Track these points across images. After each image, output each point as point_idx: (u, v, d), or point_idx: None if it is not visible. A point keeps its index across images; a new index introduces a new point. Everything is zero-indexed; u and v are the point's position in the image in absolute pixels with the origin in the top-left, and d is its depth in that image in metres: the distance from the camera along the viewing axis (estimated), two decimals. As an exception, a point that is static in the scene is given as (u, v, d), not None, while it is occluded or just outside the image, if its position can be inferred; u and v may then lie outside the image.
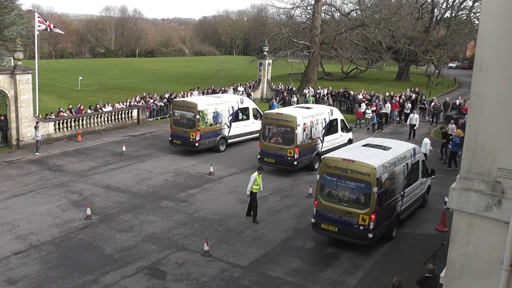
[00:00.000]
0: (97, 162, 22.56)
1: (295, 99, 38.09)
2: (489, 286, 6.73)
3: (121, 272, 12.59)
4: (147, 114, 32.30)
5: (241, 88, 40.82)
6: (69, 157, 23.42)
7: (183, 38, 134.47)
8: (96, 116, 28.93)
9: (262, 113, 23.90)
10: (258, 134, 23.81)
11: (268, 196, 18.41)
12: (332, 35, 50.01)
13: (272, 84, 43.60)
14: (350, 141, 24.14)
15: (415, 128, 28.52)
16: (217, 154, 24.33)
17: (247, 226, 15.76)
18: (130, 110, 31.09)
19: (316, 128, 21.83)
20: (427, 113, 35.32)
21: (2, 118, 24.31)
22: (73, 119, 27.57)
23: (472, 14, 60.73)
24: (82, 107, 30.63)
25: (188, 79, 63.74)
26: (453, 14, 60.11)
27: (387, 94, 38.39)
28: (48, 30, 29.94)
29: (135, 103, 33.21)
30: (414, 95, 38.64)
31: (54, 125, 26.43)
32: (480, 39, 6.52)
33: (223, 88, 40.34)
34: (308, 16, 51.44)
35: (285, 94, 39.35)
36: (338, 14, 54.88)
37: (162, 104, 33.90)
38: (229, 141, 25.46)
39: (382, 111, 32.40)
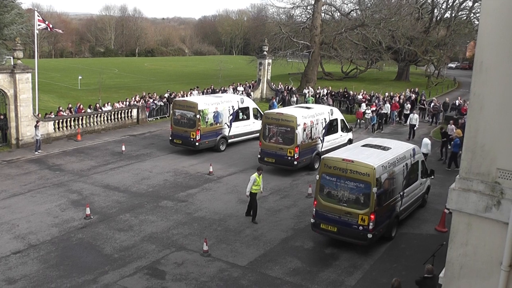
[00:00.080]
0: (97, 162, 22.55)
1: (294, 99, 38.03)
2: (488, 287, 6.73)
3: (120, 272, 12.58)
4: (147, 114, 32.26)
5: (240, 88, 40.78)
6: (68, 156, 23.42)
7: (183, 37, 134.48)
8: (95, 115, 28.91)
9: (262, 113, 23.92)
10: (258, 134, 23.81)
11: (268, 196, 18.40)
12: (332, 35, 49.96)
13: (272, 84, 43.58)
14: (350, 141, 24.14)
15: (415, 128, 28.52)
16: (217, 154, 24.33)
17: (247, 226, 15.76)
18: (130, 110, 31.07)
19: (316, 128, 21.83)
20: (426, 114, 35.28)
21: (2, 117, 24.28)
22: (72, 119, 27.56)
23: (472, 15, 60.67)
24: (81, 106, 30.66)
25: (187, 78, 63.70)
26: (453, 15, 60.06)
27: (386, 94, 38.35)
28: (48, 29, 29.95)
29: (135, 102, 33.19)
30: (413, 95, 38.60)
31: (54, 125, 26.42)
32: (480, 39, 6.52)
33: (222, 88, 40.32)
34: (308, 16, 51.38)
35: (285, 94, 39.31)
36: (338, 14, 54.83)
37: (162, 104, 33.87)
38: (229, 140, 25.46)
39: (382, 111, 32.41)
